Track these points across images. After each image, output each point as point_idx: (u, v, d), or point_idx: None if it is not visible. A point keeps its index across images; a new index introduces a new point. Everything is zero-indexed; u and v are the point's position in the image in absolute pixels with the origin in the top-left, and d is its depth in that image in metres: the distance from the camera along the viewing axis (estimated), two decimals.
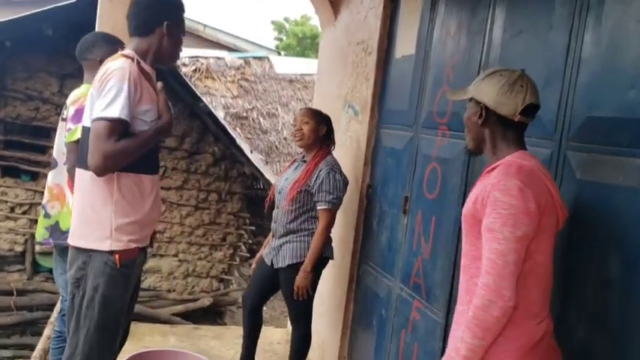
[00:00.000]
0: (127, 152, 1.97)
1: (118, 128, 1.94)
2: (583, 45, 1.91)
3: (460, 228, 2.43)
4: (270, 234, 3.29)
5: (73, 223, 2.11)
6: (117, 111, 1.92)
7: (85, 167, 2.01)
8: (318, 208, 3.08)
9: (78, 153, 2.13)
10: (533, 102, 1.65)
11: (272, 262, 3.19)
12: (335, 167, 3.13)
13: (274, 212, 3.24)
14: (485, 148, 1.74)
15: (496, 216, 1.51)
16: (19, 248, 5.79)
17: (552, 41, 2.04)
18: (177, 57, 2.25)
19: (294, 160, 3.37)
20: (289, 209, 3.10)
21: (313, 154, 3.17)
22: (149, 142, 2.07)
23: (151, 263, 6.10)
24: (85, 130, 2.05)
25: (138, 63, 2.04)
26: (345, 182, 3.18)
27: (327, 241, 3.14)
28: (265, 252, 3.31)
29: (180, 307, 6.05)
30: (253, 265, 3.45)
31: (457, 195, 2.49)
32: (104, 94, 1.93)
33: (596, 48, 1.86)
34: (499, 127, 1.68)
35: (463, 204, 2.44)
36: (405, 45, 3.16)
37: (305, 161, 3.21)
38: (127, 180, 2.04)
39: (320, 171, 3.08)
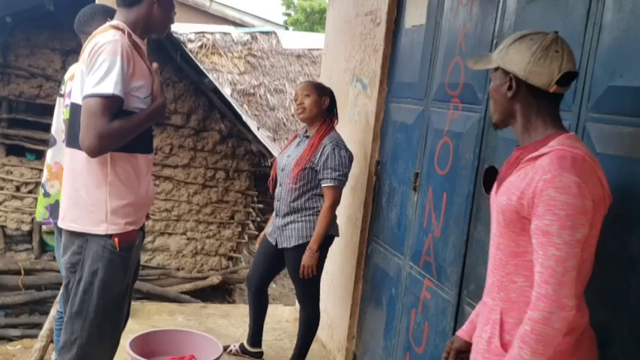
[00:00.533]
0: (122, 133, 1.87)
1: (112, 105, 1.83)
2: (604, 9, 1.80)
3: (473, 206, 2.37)
4: (274, 212, 3.22)
5: (64, 205, 2.01)
6: (110, 87, 1.81)
7: (76, 147, 1.91)
8: (323, 185, 3.01)
9: (67, 131, 2.04)
10: (570, 69, 1.45)
11: (276, 242, 3.14)
12: (340, 143, 3.05)
13: (277, 190, 3.17)
14: (514, 124, 1.56)
15: (553, 218, 1.33)
16: (25, 227, 5.77)
17: (571, 6, 1.92)
18: (169, 26, 2.11)
19: (296, 136, 3.27)
20: (293, 187, 3.03)
21: (316, 129, 3.09)
22: (144, 123, 1.97)
23: (159, 241, 6.08)
24: (76, 108, 1.93)
25: (129, 35, 1.92)
26: (351, 158, 3.10)
27: (332, 220, 3.07)
28: (269, 231, 3.24)
29: (189, 286, 6.03)
30: (257, 245, 3.40)
31: (470, 171, 2.40)
32: (95, 70, 1.82)
33: (618, 12, 1.75)
34: (532, 100, 1.48)
35: (476, 180, 2.38)
36: (415, 15, 3.04)
37: (308, 137, 3.11)
38: (122, 160, 1.95)
39: (324, 147, 3.00)
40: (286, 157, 3.13)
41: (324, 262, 3.13)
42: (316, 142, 3.01)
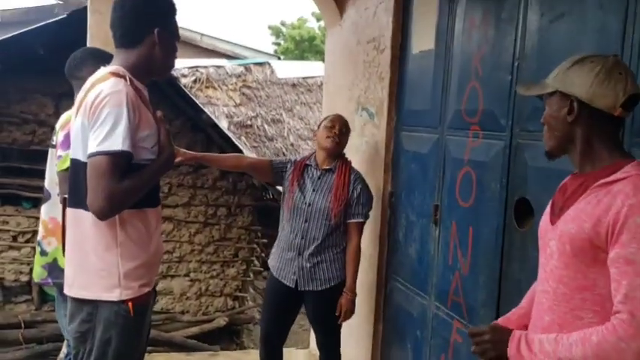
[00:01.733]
0: (133, 192, 1.70)
1: (121, 162, 1.66)
2: None
3: (504, 241, 2.20)
4: (283, 249, 2.90)
5: (70, 271, 1.82)
6: (118, 143, 1.63)
7: (80, 207, 1.74)
8: (353, 220, 2.85)
9: (70, 191, 1.84)
10: (635, 92, 1.35)
11: (296, 284, 2.85)
12: (363, 178, 2.95)
13: (297, 226, 2.85)
14: (572, 150, 1.44)
15: (639, 245, 1.22)
16: (24, 278, 5.56)
17: (603, 24, 1.78)
18: (171, 67, 1.93)
19: (303, 166, 2.95)
20: (326, 224, 2.81)
21: (337, 162, 2.91)
22: (154, 178, 1.82)
23: (162, 285, 5.87)
24: (78, 165, 1.75)
25: (130, 81, 1.75)
26: None
27: None
28: (282, 272, 2.89)
29: (195, 329, 5.81)
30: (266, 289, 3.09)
31: (497, 202, 2.23)
32: (100, 125, 1.64)
33: None
34: (594, 124, 1.38)
35: (505, 213, 2.21)
36: (423, 39, 2.91)
37: (330, 170, 2.89)
38: (132, 218, 1.77)
39: (355, 182, 2.87)
40: (312, 191, 2.87)
41: None
42: (347, 179, 2.86)
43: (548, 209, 1.54)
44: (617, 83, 1.34)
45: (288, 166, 2.97)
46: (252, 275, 6.36)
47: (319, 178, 2.91)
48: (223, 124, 8.11)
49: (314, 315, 2.93)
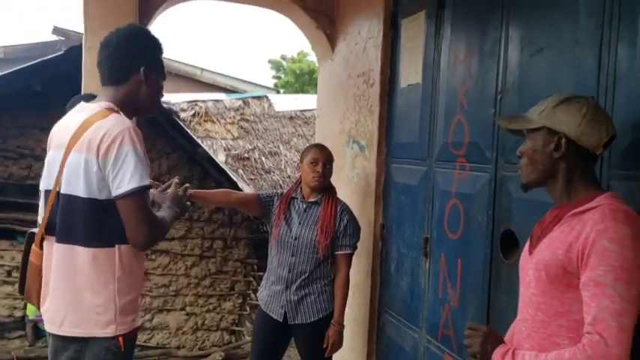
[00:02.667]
0: (165, 224, 1.87)
1: (148, 195, 1.78)
2: (617, 60, 1.69)
3: (491, 272, 2.20)
4: (272, 282, 2.88)
5: (61, 310, 1.77)
6: (145, 177, 1.72)
7: (75, 243, 1.73)
8: (341, 252, 2.83)
9: (60, 226, 1.78)
10: (614, 133, 1.45)
11: (284, 317, 2.83)
12: (349, 209, 2.92)
13: (284, 260, 2.84)
14: (552, 184, 1.50)
15: (607, 268, 1.27)
16: (18, 313, 5.49)
17: (580, 58, 1.82)
18: (156, 105, 1.96)
19: (288, 199, 2.93)
20: (313, 257, 2.79)
21: (324, 195, 2.88)
22: (173, 219, 1.98)
23: (157, 319, 5.80)
24: (74, 200, 1.73)
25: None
26: None
27: None
28: (270, 305, 2.87)
29: None
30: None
31: (484, 234, 2.24)
32: (123, 162, 1.69)
33: (633, 62, 1.64)
34: (577, 161, 1.45)
35: (492, 244, 2.21)
36: (410, 73, 2.95)
37: (316, 202, 2.87)
38: (127, 250, 1.78)
39: (342, 213, 2.84)
40: (298, 224, 2.85)
41: None
42: (334, 211, 2.83)
43: (527, 242, 1.58)
44: (601, 124, 1.43)
45: (275, 199, 2.96)
46: (248, 309, 6.29)
47: (305, 210, 2.88)
48: (221, 157, 8.16)
49: (304, 348, 2.89)
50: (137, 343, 5.91)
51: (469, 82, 2.40)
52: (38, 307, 1.88)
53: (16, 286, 5.47)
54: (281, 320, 2.83)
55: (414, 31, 2.93)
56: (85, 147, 1.71)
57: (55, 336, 1.80)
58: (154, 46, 1.90)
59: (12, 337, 5.57)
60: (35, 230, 1.88)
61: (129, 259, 1.79)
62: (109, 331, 1.75)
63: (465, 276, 2.36)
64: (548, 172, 1.49)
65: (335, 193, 2.94)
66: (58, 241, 1.78)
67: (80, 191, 1.73)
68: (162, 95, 1.96)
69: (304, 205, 2.90)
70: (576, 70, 1.83)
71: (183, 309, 5.88)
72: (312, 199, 2.89)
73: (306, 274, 2.80)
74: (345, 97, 3.69)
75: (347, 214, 2.86)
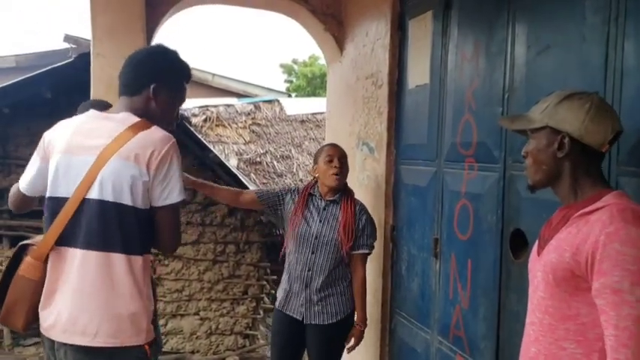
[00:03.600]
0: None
1: None
2: (624, 55, 1.67)
3: (502, 273, 2.18)
4: (291, 281, 2.85)
5: (95, 319, 1.70)
6: (184, 189, 1.84)
7: (112, 250, 1.71)
8: (359, 252, 2.82)
9: (97, 232, 1.73)
10: (620, 129, 1.41)
11: (303, 317, 2.80)
12: (366, 209, 2.92)
13: (300, 257, 2.80)
14: (558, 184, 1.46)
15: (622, 273, 1.22)
16: None
17: (586, 55, 1.80)
18: (168, 124, 1.92)
19: (305, 197, 2.89)
20: (333, 256, 2.77)
21: (342, 194, 2.87)
22: None
23: (171, 324, 5.83)
24: (119, 208, 1.72)
25: None
26: None
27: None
28: (289, 304, 2.84)
29: None
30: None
31: (494, 234, 2.22)
32: (172, 174, 1.77)
33: (639, 58, 1.62)
34: (582, 159, 1.41)
35: (502, 244, 2.20)
36: (418, 74, 2.95)
37: (334, 201, 2.84)
38: (148, 260, 1.84)
39: (361, 213, 2.84)
40: (319, 222, 2.81)
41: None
42: (351, 210, 2.82)
43: (536, 243, 1.56)
44: (605, 121, 1.38)
45: (288, 196, 2.93)
46: (262, 313, 6.31)
47: (324, 208, 2.85)
48: (233, 162, 8.19)
49: (317, 349, 2.85)
50: None
51: (476, 81, 2.39)
52: (23, 326, 1.79)
53: None
54: (300, 319, 2.81)
55: (420, 31, 2.92)
56: (133, 156, 1.71)
57: (77, 349, 1.70)
58: (171, 65, 1.92)
59: (27, 344, 5.63)
60: (29, 242, 1.83)
61: (149, 267, 1.83)
62: (141, 339, 1.75)
63: (476, 276, 2.34)
64: (553, 172, 1.45)
65: (352, 193, 2.94)
66: (88, 248, 1.71)
67: (125, 199, 1.72)
68: (176, 117, 1.97)
69: (323, 203, 2.87)
70: (583, 67, 1.81)
71: (197, 313, 5.90)
72: (331, 198, 2.86)
73: (326, 273, 2.77)
74: (354, 99, 3.69)
75: (365, 214, 2.86)
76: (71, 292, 1.72)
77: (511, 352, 2.07)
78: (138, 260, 1.75)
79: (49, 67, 4.95)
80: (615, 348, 1.22)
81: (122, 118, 1.80)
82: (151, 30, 3.67)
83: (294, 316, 2.83)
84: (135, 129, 1.75)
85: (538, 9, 2.03)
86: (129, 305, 1.72)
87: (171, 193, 1.77)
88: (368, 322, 3.20)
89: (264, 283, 6.29)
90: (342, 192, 2.88)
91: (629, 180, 1.64)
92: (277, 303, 2.95)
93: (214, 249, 5.93)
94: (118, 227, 1.71)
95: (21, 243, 1.85)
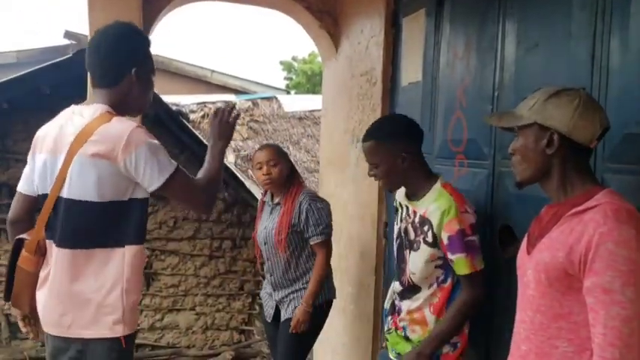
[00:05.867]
0: (212, 174, 1.95)
1: (183, 170, 1.85)
2: (610, 52, 1.69)
3: (491, 267, 2.20)
4: (266, 291, 3.07)
5: (67, 312, 1.78)
6: (171, 163, 1.81)
7: (78, 246, 1.76)
8: (313, 243, 2.87)
9: (72, 230, 1.79)
10: (607, 125, 1.41)
11: (275, 317, 2.99)
12: (314, 196, 2.95)
13: (266, 266, 3.00)
14: (547, 181, 1.47)
15: (614, 273, 1.22)
16: None
17: (573, 51, 1.82)
18: (148, 102, 1.98)
19: (263, 204, 3.10)
20: (283, 257, 2.88)
21: (285, 193, 2.93)
22: (220, 159, 2.01)
23: (168, 319, 5.86)
24: (82, 206, 1.75)
25: None
26: (329, 208, 2.96)
27: (327, 277, 2.94)
28: (265, 308, 3.08)
29: None
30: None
31: (483, 230, 2.24)
32: (145, 162, 1.74)
33: (625, 55, 1.64)
34: (570, 156, 1.42)
35: (491, 240, 2.21)
36: (411, 72, 2.96)
37: (277, 204, 2.95)
38: (134, 251, 1.82)
39: (300, 205, 2.86)
40: (263, 229, 2.96)
41: (319, 331, 2.97)
42: (290, 206, 2.87)
43: (525, 240, 1.56)
44: (594, 117, 1.38)
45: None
46: (257, 308, 6.33)
47: (271, 213, 2.97)
48: (230, 158, 8.20)
49: (283, 340, 2.89)
50: (147, 342, 5.98)
51: (467, 79, 2.41)
52: (30, 311, 1.90)
53: None
54: (270, 320, 3.00)
55: (414, 29, 2.94)
56: (97, 153, 1.73)
57: (55, 337, 1.82)
58: (144, 44, 1.93)
59: (24, 337, 5.65)
60: (25, 236, 1.87)
61: (135, 260, 1.82)
62: (116, 332, 1.78)
63: None
64: (541, 169, 1.45)
65: (297, 185, 2.95)
66: (61, 245, 1.79)
67: (90, 195, 1.74)
68: (152, 93, 1.99)
69: (270, 208, 2.99)
70: (570, 63, 1.83)
71: (192, 309, 5.93)
72: (276, 200, 2.96)
73: (286, 274, 2.90)
74: (348, 96, 3.70)
75: (306, 203, 2.86)
76: (49, 285, 1.81)
77: (501, 348, 2.09)
78: (114, 253, 1.78)
79: (48, 63, 4.97)
80: (603, 347, 1.23)
81: (90, 113, 1.80)
82: (147, 26, 3.68)
83: (267, 318, 3.03)
84: (96, 123, 1.76)
85: (527, 5, 2.05)
86: (100, 298, 1.77)
87: (152, 177, 1.76)
88: (362, 318, 3.23)
89: (260, 279, 6.31)
90: (286, 191, 2.93)
91: (613, 176, 1.66)
92: (261, 295, 3.15)
93: (211, 244, 5.95)
94: (85, 224, 1.76)
95: (17, 237, 1.90)
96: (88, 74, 2.00)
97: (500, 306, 2.13)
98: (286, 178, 2.94)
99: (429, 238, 2.00)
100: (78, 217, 1.77)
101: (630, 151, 1.61)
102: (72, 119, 1.82)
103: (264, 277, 3.12)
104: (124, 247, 1.79)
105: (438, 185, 2.04)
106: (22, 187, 1.96)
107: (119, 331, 1.78)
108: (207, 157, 2.01)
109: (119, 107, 1.87)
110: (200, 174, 1.95)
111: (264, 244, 2.95)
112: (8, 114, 5.17)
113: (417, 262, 2.05)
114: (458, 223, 1.94)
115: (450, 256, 1.98)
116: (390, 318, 2.24)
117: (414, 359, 2.04)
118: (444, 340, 2.03)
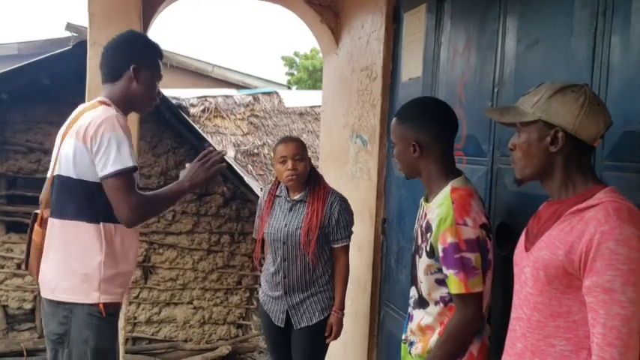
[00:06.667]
0: (155, 202, 2.00)
1: (132, 177, 1.93)
2: (611, 50, 1.67)
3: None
4: (269, 287, 2.82)
5: (53, 276, 1.99)
6: (127, 160, 1.89)
7: (71, 218, 1.95)
8: (339, 245, 2.74)
9: (55, 202, 2.01)
10: (611, 123, 1.40)
11: (285, 323, 2.78)
12: (342, 197, 2.80)
13: (275, 263, 2.76)
14: (549, 179, 1.44)
15: (615, 273, 1.21)
16: (27, 306, 5.59)
17: (574, 49, 1.80)
18: (151, 102, 2.14)
19: (272, 199, 2.84)
20: (305, 260, 2.70)
21: (308, 190, 2.75)
22: (174, 196, 2.07)
23: (165, 313, 5.87)
24: (68, 181, 1.95)
25: (117, 110, 1.99)
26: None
27: None
28: (270, 308, 2.83)
29: (198, 358, 5.76)
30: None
31: None
32: (106, 148, 1.88)
33: (626, 52, 1.62)
34: (574, 154, 1.39)
35: (488, 236, 2.20)
36: (411, 67, 2.95)
37: (302, 200, 2.74)
38: (113, 229, 1.99)
39: (332, 206, 2.71)
40: (283, 226, 2.73)
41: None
42: (320, 205, 2.70)
43: (522, 237, 1.54)
44: (599, 115, 1.37)
45: (261, 203, 2.93)
46: (255, 303, 6.33)
47: (290, 210, 2.76)
48: (231, 153, 8.19)
49: (301, 350, 2.78)
50: (144, 336, 5.99)
51: (467, 75, 2.39)
52: (37, 281, 2.09)
53: (26, 278, 5.60)
54: (283, 326, 2.78)
55: (415, 24, 2.92)
56: (75, 134, 1.92)
57: (48, 301, 2.01)
58: (145, 45, 2.12)
59: (22, 329, 5.66)
60: (37, 211, 2.08)
61: (115, 237, 1.99)
62: (92, 299, 1.95)
63: None
64: (544, 166, 1.42)
65: (322, 182, 2.80)
66: (53, 216, 2.01)
67: (71, 172, 1.94)
68: (157, 93, 2.13)
69: (289, 205, 2.77)
70: (570, 61, 1.81)
71: (190, 302, 5.94)
72: (297, 197, 2.76)
73: (303, 277, 2.73)
74: (349, 91, 3.69)
75: (338, 205, 2.73)
76: (46, 253, 2.03)
77: (497, 344, 2.08)
78: (91, 227, 1.95)
79: (48, 55, 4.97)
80: (601, 347, 1.22)
81: (88, 103, 2.03)
82: (147, 18, 3.66)
83: (276, 322, 2.80)
84: (85, 110, 1.99)
85: (528, 2, 2.03)
86: (79, 267, 1.95)
87: (105, 164, 1.88)
88: (358, 314, 3.22)
89: (258, 273, 6.31)
90: (310, 188, 2.75)
91: (612, 174, 1.64)
92: (260, 295, 2.93)
93: (209, 239, 5.96)
94: (70, 198, 1.96)
95: (34, 212, 2.12)
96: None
97: (496, 303, 2.12)
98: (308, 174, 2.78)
99: (428, 247, 1.82)
100: (63, 190, 1.97)
101: (630, 149, 1.59)
102: (75, 111, 2.04)
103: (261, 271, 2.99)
104: (99, 223, 1.96)
105: (448, 188, 1.80)
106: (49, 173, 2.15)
107: (95, 298, 1.94)
108: (167, 187, 2.10)
109: (121, 103, 2.04)
110: (148, 193, 2.01)
111: (283, 243, 2.71)
112: (7, 105, 5.17)
113: (421, 269, 1.88)
114: (451, 235, 1.71)
115: (444, 270, 1.76)
116: (407, 326, 2.08)
117: None
118: None
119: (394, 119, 1.95)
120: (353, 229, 2.84)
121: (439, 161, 1.87)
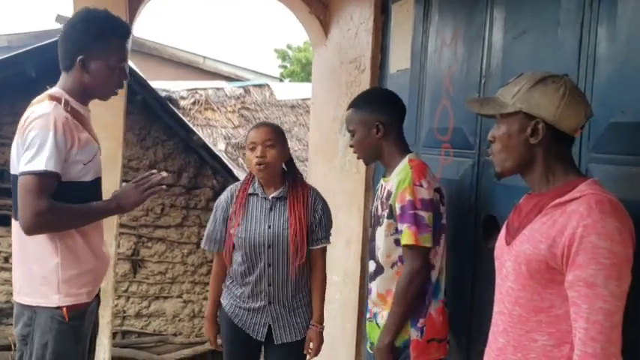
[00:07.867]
0: (64, 215, 1.81)
1: (47, 181, 1.74)
2: (597, 41, 1.66)
3: (475, 260, 2.18)
4: (246, 296, 2.38)
5: (18, 278, 1.93)
6: (42, 163, 1.72)
7: (17, 218, 1.84)
8: (319, 246, 2.41)
9: (12, 202, 1.91)
10: (591, 113, 1.38)
11: (264, 335, 2.41)
12: (321, 195, 2.51)
13: (255, 270, 2.36)
14: (529, 171, 1.42)
15: (597, 267, 1.20)
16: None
17: (561, 39, 1.79)
18: (110, 91, 1.97)
19: (244, 197, 2.41)
20: (294, 263, 2.36)
21: (285, 186, 2.40)
22: (93, 214, 1.91)
23: (154, 306, 5.84)
24: (13, 179, 1.85)
25: (66, 103, 1.83)
26: None
27: None
28: (246, 322, 2.40)
29: (188, 351, 5.76)
30: (211, 336, 2.54)
31: (468, 220, 2.22)
32: (29, 146, 1.75)
33: (612, 43, 1.61)
34: (554, 145, 1.37)
35: (475, 230, 2.19)
36: (399, 59, 2.92)
37: (277, 198, 2.39)
38: (65, 232, 1.86)
39: (316, 203, 2.42)
40: (267, 228, 2.35)
41: None
42: (305, 202, 2.39)
43: (503, 230, 1.52)
44: (579, 106, 1.35)
45: (229, 208, 2.43)
46: None
47: (271, 209, 2.39)
48: (221, 146, 8.15)
49: None
50: (134, 330, 5.94)
51: (455, 66, 2.38)
52: None
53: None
54: (264, 339, 2.41)
55: (403, 15, 2.89)
56: (18, 129, 1.83)
57: (15, 303, 1.96)
58: (98, 32, 1.88)
59: (9, 322, 5.61)
60: None
61: (72, 237, 1.86)
62: (52, 302, 1.85)
63: (449, 261, 2.33)
64: (524, 158, 1.40)
65: (299, 178, 2.48)
66: (15, 216, 1.88)
67: (16, 170, 1.82)
68: (118, 83, 1.97)
69: (268, 203, 2.40)
70: (557, 51, 1.80)
71: (179, 296, 5.92)
72: (276, 194, 2.40)
73: (291, 283, 2.39)
74: (338, 83, 3.66)
75: (320, 202, 2.45)
76: (13, 254, 1.96)
77: (483, 338, 2.07)
78: None
79: (34, 46, 4.90)
80: (584, 341, 1.21)
81: (38, 98, 1.89)
82: (133, 9, 3.62)
83: (255, 336, 2.40)
84: (32, 104, 1.87)
85: None
86: (37, 269, 1.86)
87: (21, 161, 1.77)
88: (347, 308, 3.21)
89: None
90: (289, 183, 2.42)
91: (598, 166, 1.64)
92: (228, 314, 2.44)
93: (198, 232, 5.92)
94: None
95: None
96: None
97: (481, 296, 2.11)
98: (282, 166, 2.44)
99: (388, 210, 1.99)
100: (14, 189, 1.84)
101: (615, 141, 1.58)
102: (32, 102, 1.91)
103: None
104: (46, 232, 1.83)
105: (405, 159, 2.03)
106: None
107: (55, 301, 1.84)
108: (91, 203, 1.90)
109: (77, 93, 1.91)
110: (63, 204, 1.79)
111: (269, 247, 2.35)
112: None
113: (381, 235, 2.02)
114: (409, 194, 1.91)
115: (399, 227, 1.92)
116: (368, 302, 2.16)
117: (378, 356, 1.96)
118: (397, 324, 1.93)
119: (350, 110, 2.13)
120: (341, 221, 2.78)
121: (398, 138, 2.10)
